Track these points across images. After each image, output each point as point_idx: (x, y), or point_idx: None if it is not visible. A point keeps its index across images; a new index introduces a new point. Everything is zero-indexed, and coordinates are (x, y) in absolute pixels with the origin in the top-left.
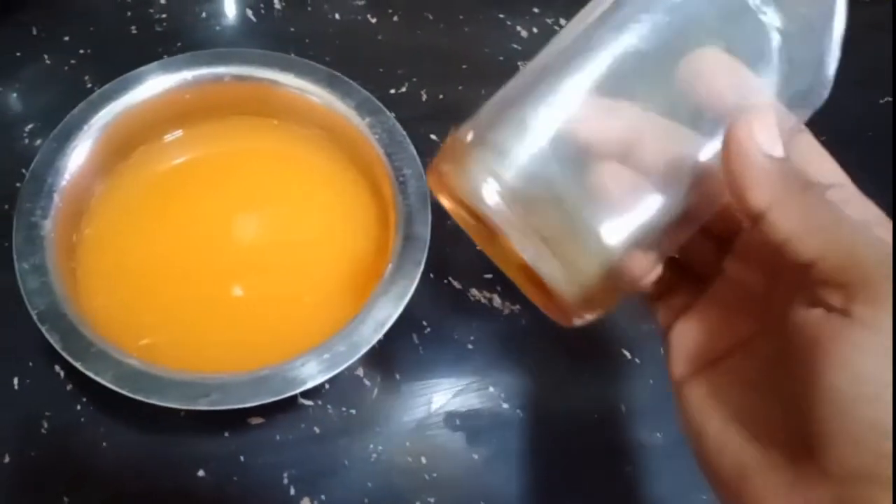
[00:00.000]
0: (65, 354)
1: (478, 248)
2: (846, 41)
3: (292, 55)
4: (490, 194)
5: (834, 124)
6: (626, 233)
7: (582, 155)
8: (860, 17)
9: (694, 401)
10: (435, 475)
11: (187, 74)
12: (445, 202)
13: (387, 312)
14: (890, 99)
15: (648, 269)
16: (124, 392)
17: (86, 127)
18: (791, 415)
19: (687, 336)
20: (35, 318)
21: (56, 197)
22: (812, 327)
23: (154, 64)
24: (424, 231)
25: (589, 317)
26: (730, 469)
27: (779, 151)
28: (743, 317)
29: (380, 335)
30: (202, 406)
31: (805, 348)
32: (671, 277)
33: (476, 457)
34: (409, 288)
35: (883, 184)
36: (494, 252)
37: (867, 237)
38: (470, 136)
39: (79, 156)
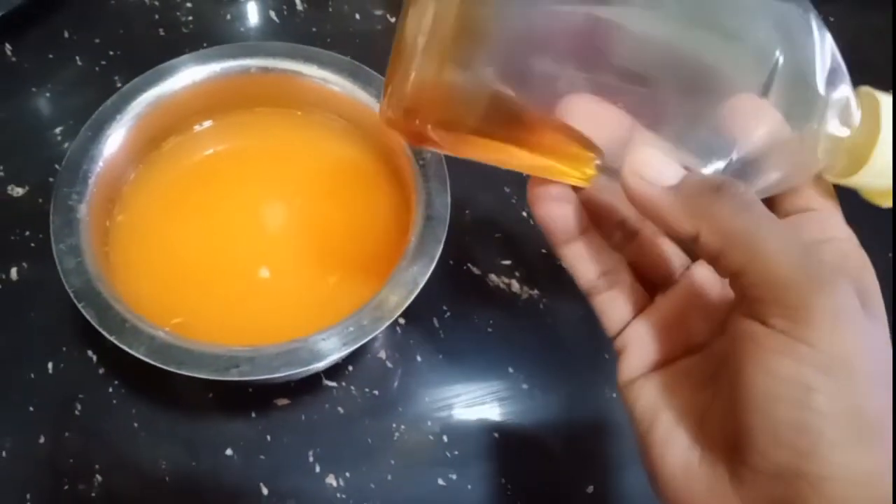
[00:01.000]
0: (101, 329)
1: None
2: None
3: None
4: None
5: None
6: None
7: None
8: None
9: (645, 399)
10: (456, 453)
11: (216, 67)
12: None
13: (409, 288)
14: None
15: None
16: (158, 364)
17: (119, 116)
18: (727, 415)
19: (642, 336)
20: (72, 295)
21: (91, 183)
22: (742, 334)
23: (184, 56)
24: (444, 211)
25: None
26: (673, 468)
27: (670, 178)
28: (699, 320)
29: (402, 309)
30: (233, 377)
31: (737, 353)
32: (628, 279)
33: (496, 435)
34: (430, 264)
35: None
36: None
37: (782, 246)
38: None
39: (112, 144)
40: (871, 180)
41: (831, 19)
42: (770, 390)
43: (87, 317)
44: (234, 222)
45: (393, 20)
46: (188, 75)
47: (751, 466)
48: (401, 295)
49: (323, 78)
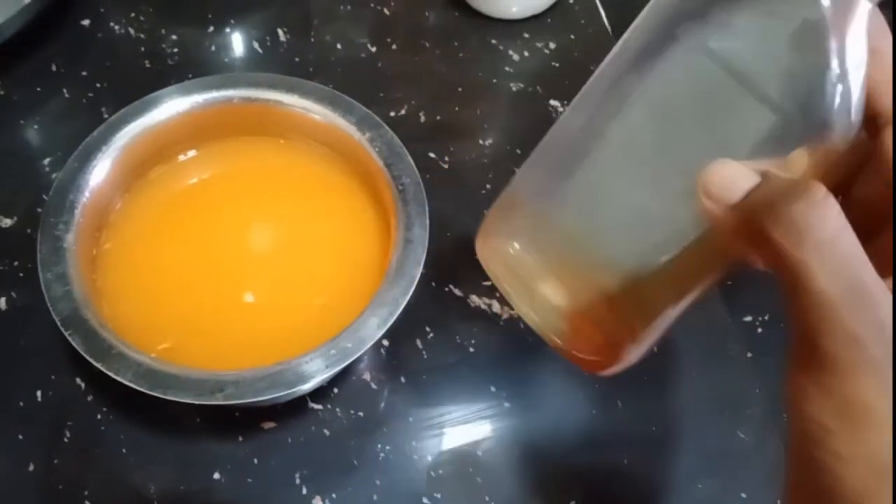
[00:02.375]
0: (87, 356)
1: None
2: None
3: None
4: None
5: None
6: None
7: None
8: None
9: None
10: (441, 472)
11: (199, 97)
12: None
13: (390, 309)
14: None
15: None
16: (143, 389)
17: (105, 147)
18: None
19: None
20: (59, 323)
21: (77, 212)
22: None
23: (168, 88)
24: (423, 234)
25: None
26: None
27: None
28: None
29: (383, 330)
30: (218, 401)
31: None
32: None
33: (480, 454)
34: (410, 285)
35: None
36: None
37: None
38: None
39: (99, 174)
40: None
41: None
42: (801, 429)
43: (74, 344)
44: (219, 249)
45: (374, 49)
46: (173, 106)
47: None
48: (382, 316)
49: (304, 107)
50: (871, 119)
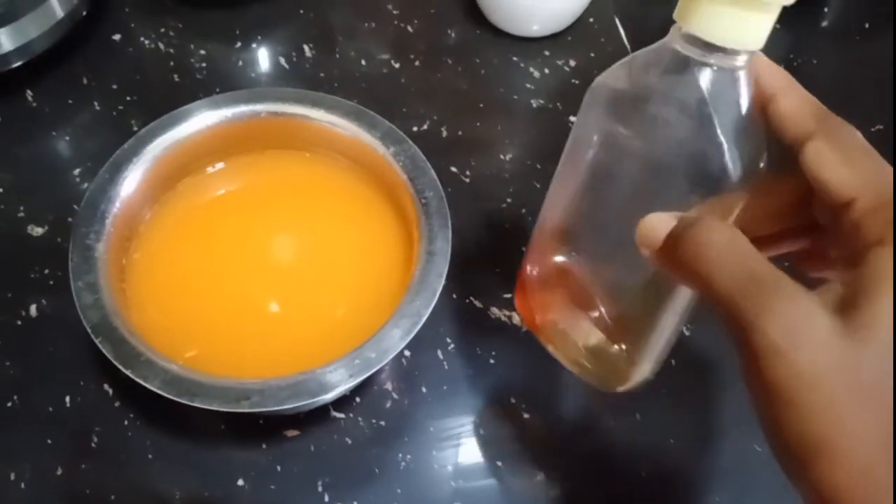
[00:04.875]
0: (116, 363)
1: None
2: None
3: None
4: None
5: None
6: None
7: None
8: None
9: None
10: (461, 482)
11: (227, 111)
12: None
13: (413, 321)
14: (882, 127)
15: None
16: (171, 396)
17: (135, 159)
18: None
19: None
20: (89, 330)
21: (108, 222)
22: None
23: (197, 102)
24: (446, 246)
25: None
26: None
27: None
28: None
29: (406, 341)
30: (243, 408)
31: None
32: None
33: (500, 464)
34: (433, 297)
35: None
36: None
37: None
38: None
39: (129, 185)
40: None
41: (814, 62)
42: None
43: (104, 351)
44: (245, 259)
45: (397, 66)
46: (201, 119)
47: None
48: (405, 328)
49: (329, 121)
50: (790, 147)
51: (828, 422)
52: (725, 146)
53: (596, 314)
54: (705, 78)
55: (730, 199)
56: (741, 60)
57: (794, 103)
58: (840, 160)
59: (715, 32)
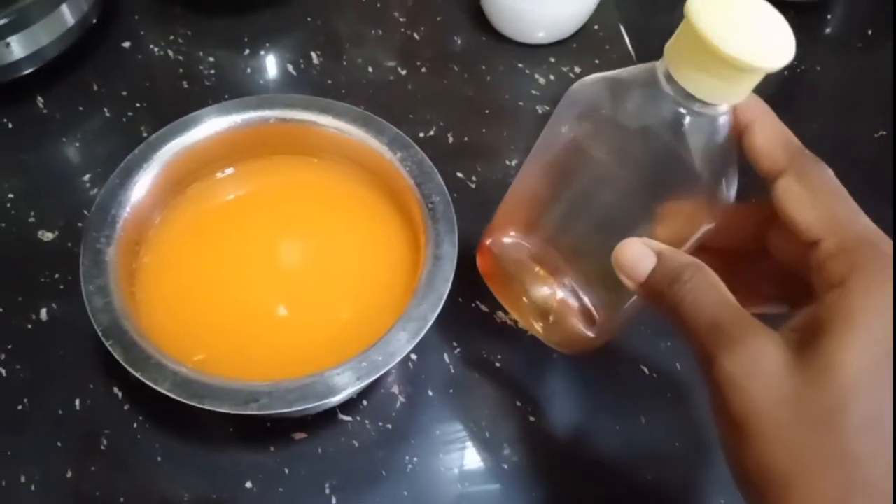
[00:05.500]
0: (127, 365)
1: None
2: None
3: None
4: None
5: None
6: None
7: None
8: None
9: None
10: (467, 484)
11: (237, 117)
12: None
13: (419, 324)
14: (885, 133)
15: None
16: (181, 399)
17: (146, 164)
18: None
19: None
20: (100, 333)
21: (118, 226)
22: None
23: (207, 108)
24: (452, 251)
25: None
26: None
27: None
28: None
29: (413, 344)
30: (252, 410)
31: None
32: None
33: (506, 467)
34: (439, 301)
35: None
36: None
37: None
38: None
39: (139, 190)
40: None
41: (818, 68)
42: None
43: (114, 354)
44: (253, 263)
45: (404, 72)
46: (211, 126)
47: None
48: (412, 331)
49: (337, 127)
50: (764, 178)
51: (779, 451)
52: (696, 177)
53: (552, 281)
54: (686, 118)
55: (694, 223)
56: (723, 109)
57: (768, 137)
58: (808, 200)
59: (701, 89)
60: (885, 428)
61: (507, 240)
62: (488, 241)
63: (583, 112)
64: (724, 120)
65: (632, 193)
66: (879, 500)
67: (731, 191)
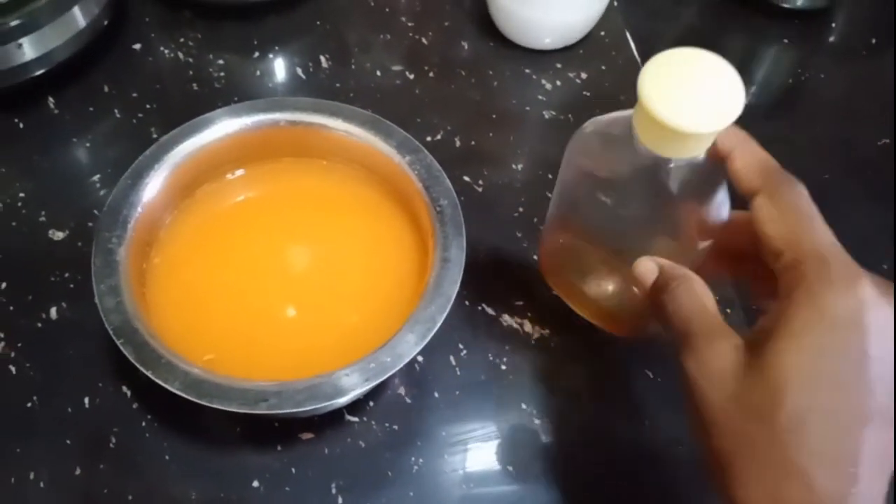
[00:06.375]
0: (138, 365)
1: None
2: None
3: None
4: None
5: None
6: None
7: None
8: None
9: None
10: (472, 485)
11: (247, 120)
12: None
13: (427, 326)
14: (888, 141)
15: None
16: (192, 398)
17: (157, 166)
18: None
19: None
20: (112, 333)
21: (129, 227)
22: None
23: (218, 110)
24: (460, 254)
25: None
26: None
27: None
28: None
29: (420, 346)
30: (262, 410)
31: None
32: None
33: (511, 469)
34: (447, 304)
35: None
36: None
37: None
38: None
39: (150, 191)
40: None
41: (822, 76)
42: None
43: (126, 353)
44: (262, 264)
45: (412, 77)
46: (221, 128)
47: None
48: (419, 333)
49: (346, 130)
50: (745, 198)
51: (725, 439)
52: (683, 208)
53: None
54: (668, 164)
55: (692, 242)
56: (696, 155)
57: (746, 162)
58: (775, 216)
59: (666, 150)
60: (813, 422)
61: (562, 241)
62: (547, 242)
63: (582, 161)
64: (701, 158)
65: (636, 223)
66: (804, 483)
67: (721, 210)
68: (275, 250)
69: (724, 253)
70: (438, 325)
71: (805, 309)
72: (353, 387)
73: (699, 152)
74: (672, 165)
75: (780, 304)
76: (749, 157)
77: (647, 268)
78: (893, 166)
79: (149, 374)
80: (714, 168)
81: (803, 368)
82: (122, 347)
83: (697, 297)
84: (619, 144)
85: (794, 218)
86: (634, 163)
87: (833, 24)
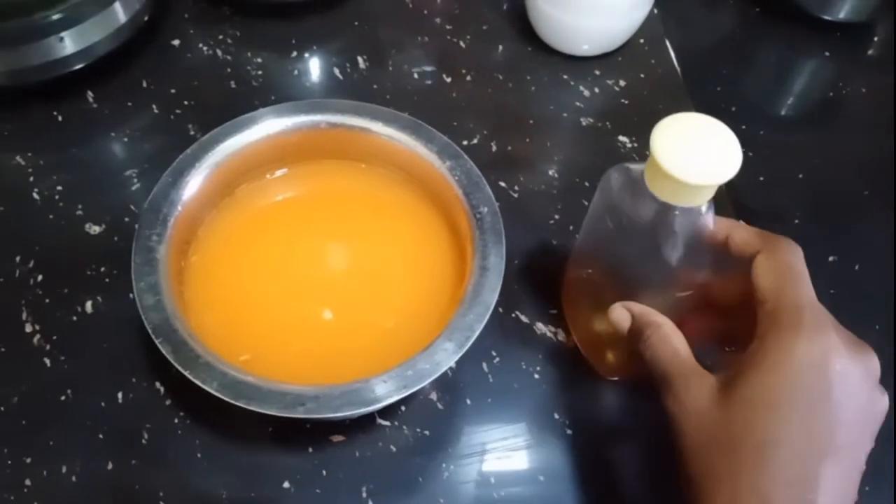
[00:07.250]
0: (176, 364)
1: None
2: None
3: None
4: None
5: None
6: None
7: None
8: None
9: None
10: (502, 493)
11: (288, 121)
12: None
13: (465, 334)
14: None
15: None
16: (228, 399)
17: (198, 164)
18: None
19: None
20: (150, 331)
21: (170, 225)
22: None
23: (260, 110)
24: (500, 262)
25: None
26: None
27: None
28: None
29: (459, 355)
30: (299, 414)
31: None
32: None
33: (542, 478)
34: (486, 312)
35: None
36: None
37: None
38: None
39: (191, 189)
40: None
41: (863, 90)
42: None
43: (164, 352)
44: (299, 266)
45: (448, 80)
46: (263, 128)
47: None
48: (458, 341)
49: (387, 134)
50: (749, 261)
51: (696, 466)
52: (674, 257)
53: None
54: (673, 213)
55: (671, 290)
56: (700, 204)
57: (745, 233)
58: (768, 271)
59: (674, 198)
60: (777, 451)
61: (583, 275)
62: (570, 273)
63: (608, 197)
64: (704, 209)
65: (646, 266)
66: None
67: (699, 270)
68: (313, 252)
69: (711, 305)
70: (477, 333)
71: (774, 351)
72: (390, 394)
73: (704, 199)
74: (677, 213)
75: (754, 345)
76: (746, 230)
77: (621, 315)
78: (893, 172)
79: (187, 373)
80: (708, 239)
81: (770, 403)
82: (160, 346)
83: (670, 343)
84: (637, 190)
85: (784, 273)
86: (648, 209)
87: (875, 38)
